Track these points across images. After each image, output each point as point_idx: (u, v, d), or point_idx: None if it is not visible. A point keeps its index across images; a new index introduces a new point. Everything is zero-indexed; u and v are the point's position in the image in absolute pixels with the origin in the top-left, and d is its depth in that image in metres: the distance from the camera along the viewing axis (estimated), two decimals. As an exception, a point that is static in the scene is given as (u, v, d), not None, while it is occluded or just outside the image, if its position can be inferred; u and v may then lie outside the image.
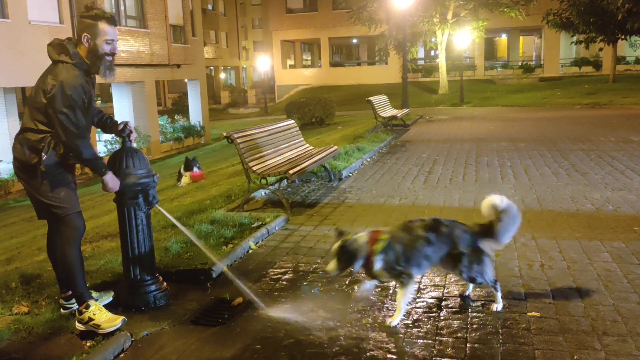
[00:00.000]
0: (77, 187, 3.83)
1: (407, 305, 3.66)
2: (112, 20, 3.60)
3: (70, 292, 3.78)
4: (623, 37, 29.78)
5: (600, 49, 32.98)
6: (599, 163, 8.97)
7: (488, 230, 3.65)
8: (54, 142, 3.48)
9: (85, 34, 3.52)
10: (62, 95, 3.37)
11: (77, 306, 3.62)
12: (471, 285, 3.92)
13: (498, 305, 3.70)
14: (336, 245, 3.50)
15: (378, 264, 3.49)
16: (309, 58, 54.87)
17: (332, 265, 3.50)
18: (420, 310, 3.75)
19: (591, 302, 3.74)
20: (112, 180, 3.66)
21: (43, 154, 3.45)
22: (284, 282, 4.38)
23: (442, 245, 3.63)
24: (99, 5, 3.70)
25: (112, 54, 3.62)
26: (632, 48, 38.37)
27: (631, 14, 26.15)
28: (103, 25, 3.54)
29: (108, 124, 3.92)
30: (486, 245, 3.67)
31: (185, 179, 10.71)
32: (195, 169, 10.82)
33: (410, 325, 3.55)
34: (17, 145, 3.57)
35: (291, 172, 6.59)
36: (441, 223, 3.70)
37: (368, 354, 3.21)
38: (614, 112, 18.73)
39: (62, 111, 3.37)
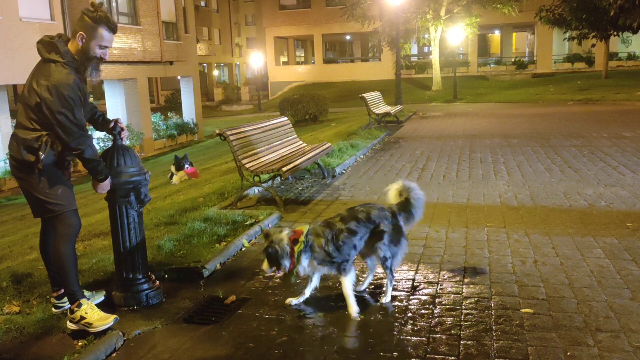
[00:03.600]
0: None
1: (354, 292, 3.72)
2: (113, 28, 3.55)
3: (62, 291, 3.75)
4: (615, 33, 29.86)
5: (593, 45, 33.03)
6: (592, 159, 9.00)
7: (404, 206, 3.94)
8: (51, 140, 3.44)
9: (81, 32, 3.46)
10: (59, 96, 3.33)
11: (69, 305, 3.60)
12: (368, 280, 4.06)
13: (387, 298, 3.85)
14: (263, 247, 3.62)
15: (304, 262, 3.61)
16: (303, 55, 54.78)
17: (264, 265, 3.60)
18: (414, 308, 3.75)
19: (584, 299, 3.75)
20: (107, 185, 3.65)
21: (40, 153, 3.41)
22: (277, 280, 4.36)
23: (365, 230, 3.77)
24: (105, 8, 3.62)
25: (102, 59, 3.58)
26: (625, 44, 38.54)
27: (623, 10, 26.23)
28: (102, 30, 3.48)
29: (100, 122, 3.89)
30: (404, 225, 3.92)
31: (177, 177, 10.65)
32: (186, 166, 10.75)
33: (404, 322, 3.55)
34: (13, 144, 3.53)
35: (284, 169, 6.57)
36: (357, 210, 3.85)
37: (361, 352, 3.20)
38: (606, 108, 18.80)
39: (60, 111, 3.33)
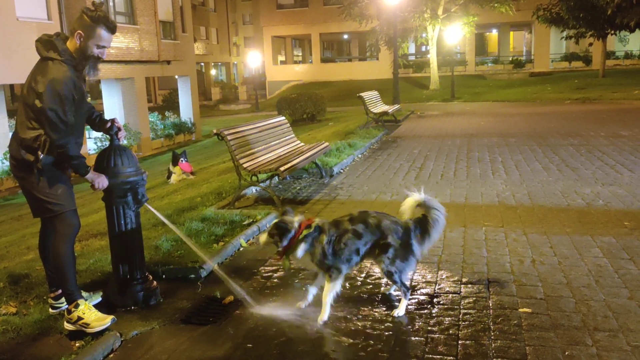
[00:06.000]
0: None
1: (333, 302, 3.61)
2: (112, 28, 3.54)
3: (59, 292, 3.74)
4: (612, 32, 29.92)
5: (590, 44, 33.13)
6: (589, 158, 9.01)
7: (421, 223, 3.71)
8: (49, 139, 3.44)
9: (79, 31, 3.45)
10: (52, 92, 3.32)
11: (66, 305, 3.59)
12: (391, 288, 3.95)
13: (400, 311, 3.64)
14: (274, 222, 3.63)
15: (301, 249, 3.54)
16: (300, 54, 54.76)
17: (263, 238, 3.62)
18: (412, 307, 3.74)
19: (582, 298, 3.75)
20: (98, 180, 3.62)
21: (40, 153, 3.41)
22: (275, 280, 4.36)
23: (371, 236, 3.64)
24: (104, 8, 3.60)
25: (99, 58, 3.56)
26: (622, 43, 38.61)
27: (620, 9, 26.29)
28: (101, 30, 3.48)
29: (97, 122, 3.88)
30: (417, 244, 3.69)
31: (175, 176, 10.65)
32: (182, 160, 10.74)
33: (402, 322, 3.54)
34: (13, 144, 3.54)
35: (282, 169, 6.56)
36: (369, 215, 3.74)
37: (359, 352, 3.20)
38: (603, 107, 18.82)
39: (52, 108, 3.32)
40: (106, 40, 3.52)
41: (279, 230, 3.54)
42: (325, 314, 3.58)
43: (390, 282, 3.81)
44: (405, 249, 3.64)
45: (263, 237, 3.62)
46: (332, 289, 3.58)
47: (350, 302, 3.87)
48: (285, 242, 3.54)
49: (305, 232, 3.54)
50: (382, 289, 4.05)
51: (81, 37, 3.46)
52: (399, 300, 3.71)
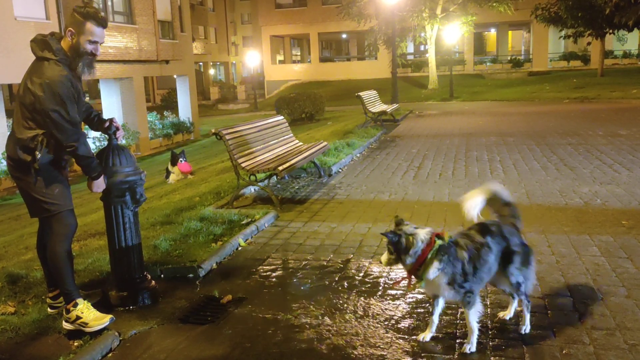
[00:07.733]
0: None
1: (478, 324, 3.15)
2: (102, 22, 3.54)
3: (57, 291, 3.74)
4: (611, 31, 29.94)
5: (589, 43, 33.13)
6: (588, 157, 9.02)
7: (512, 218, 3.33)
8: (46, 139, 3.44)
9: (70, 28, 3.47)
10: (51, 93, 3.33)
11: (65, 305, 3.59)
12: (514, 305, 3.47)
13: (526, 328, 3.29)
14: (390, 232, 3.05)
15: (434, 268, 2.98)
16: (299, 53, 54.74)
17: (384, 257, 3.08)
18: (410, 306, 3.75)
19: (580, 297, 3.76)
20: (102, 184, 3.64)
21: (37, 153, 3.41)
22: (274, 279, 4.36)
23: (499, 247, 3.16)
24: (95, 4, 3.60)
25: (93, 55, 3.57)
26: (620, 42, 38.63)
27: (619, 8, 26.29)
28: (91, 25, 3.48)
29: (95, 121, 3.89)
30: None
31: (173, 176, 10.64)
32: (181, 160, 10.72)
33: (399, 321, 3.55)
34: (9, 144, 3.54)
35: (280, 168, 6.57)
36: (489, 224, 3.26)
37: (358, 350, 3.20)
38: (602, 106, 18.83)
39: (54, 109, 3.33)
40: (97, 35, 3.53)
41: (396, 245, 2.99)
42: (472, 341, 3.11)
43: (516, 295, 3.34)
44: (525, 251, 3.26)
45: (384, 257, 3.07)
46: (474, 314, 3.09)
47: (350, 301, 3.87)
48: (409, 260, 3.00)
49: (437, 245, 2.98)
50: (380, 287, 4.05)
51: (72, 34, 3.48)
52: (397, 298, 3.71)
